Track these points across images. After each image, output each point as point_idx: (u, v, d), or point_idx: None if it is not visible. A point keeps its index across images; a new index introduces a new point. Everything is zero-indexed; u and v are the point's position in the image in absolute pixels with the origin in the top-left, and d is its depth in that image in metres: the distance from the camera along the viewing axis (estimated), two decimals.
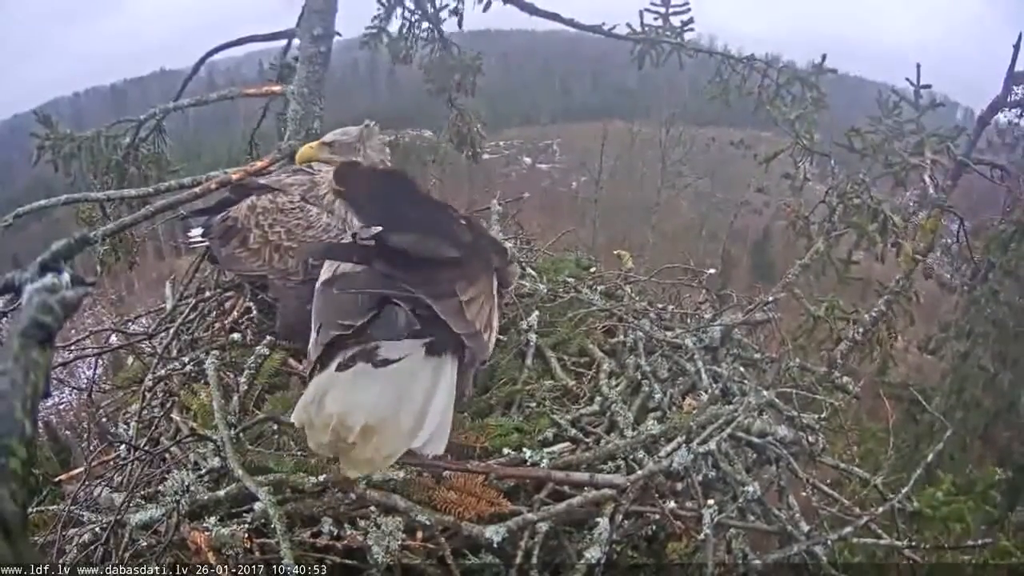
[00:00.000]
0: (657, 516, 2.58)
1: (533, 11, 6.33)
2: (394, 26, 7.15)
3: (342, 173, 3.04)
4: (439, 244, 2.37)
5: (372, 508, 2.34)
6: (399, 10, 7.03)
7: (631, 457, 2.69)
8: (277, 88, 5.08)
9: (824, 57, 6.56)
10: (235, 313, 3.72)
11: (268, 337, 3.31)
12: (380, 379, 2.11)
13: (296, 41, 5.17)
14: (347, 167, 3.14)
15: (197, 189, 3.80)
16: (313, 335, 2.39)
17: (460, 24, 6.91)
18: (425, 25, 7.08)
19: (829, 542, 2.68)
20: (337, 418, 1.99)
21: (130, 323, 4.50)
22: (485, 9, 6.49)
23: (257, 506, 2.35)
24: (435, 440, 2.08)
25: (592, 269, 4.23)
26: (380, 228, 2.35)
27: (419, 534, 2.33)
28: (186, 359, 3.39)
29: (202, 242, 3.58)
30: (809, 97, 6.49)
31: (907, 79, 6.34)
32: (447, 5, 6.96)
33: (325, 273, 2.65)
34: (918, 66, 6.29)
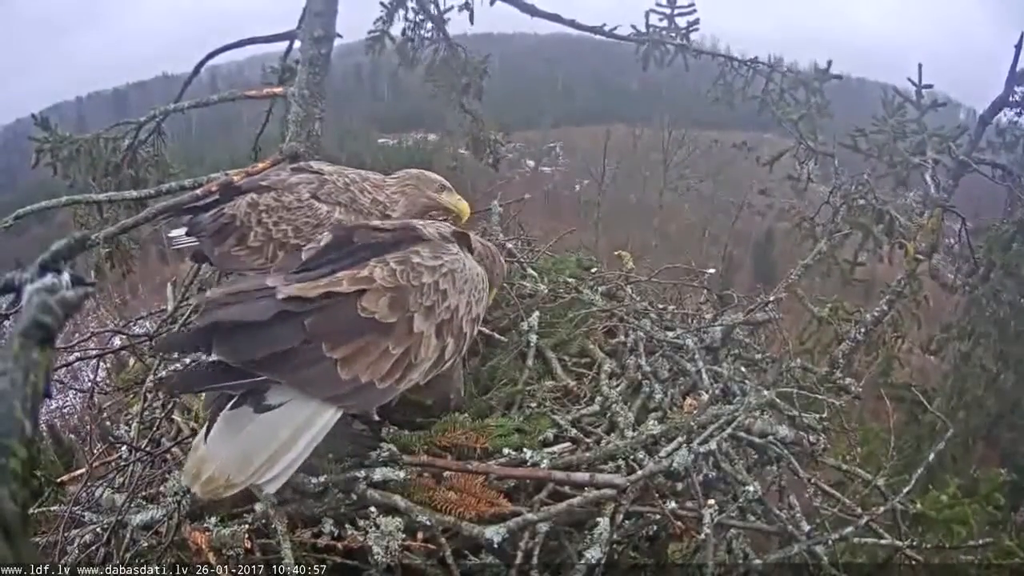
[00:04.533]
0: (657, 516, 2.58)
1: (534, 12, 6.35)
2: (396, 29, 7.20)
3: None
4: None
5: (372, 509, 2.34)
6: (400, 12, 7.05)
7: (631, 457, 2.69)
8: (278, 90, 5.08)
9: (829, 63, 6.58)
10: None
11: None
12: (249, 427, 2.23)
13: (297, 43, 5.18)
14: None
15: (198, 191, 3.80)
16: None
17: (472, 20, 6.94)
18: (429, 26, 7.11)
19: (830, 542, 2.67)
20: (198, 464, 2.22)
21: (132, 325, 4.50)
22: (492, 3, 6.51)
23: (258, 507, 2.37)
24: (275, 482, 2.22)
25: (593, 270, 4.22)
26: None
27: (419, 535, 2.34)
28: (187, 360, 3.39)
29: (189, 242, 3.47)
30: (813, 102, 6.51)
31: (909, 79, 6.35)
32: (452, 7, 7.00)
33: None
34: (920, 66, 6.30)
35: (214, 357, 2.22)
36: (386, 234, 2.66)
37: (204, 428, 2.30)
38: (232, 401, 2.25)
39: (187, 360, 3.38)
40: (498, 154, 7.56)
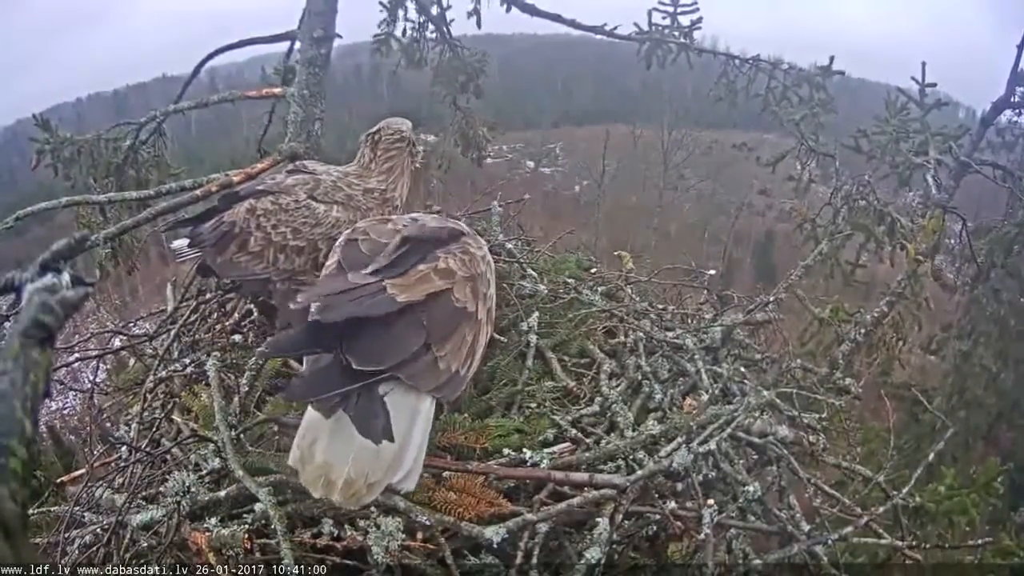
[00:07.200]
0: (657, 516, 2.58)
1: (534, 12, 6.36)
2: (399, 30, 7.20)
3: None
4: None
5: (372, 509, 2.34)
6: (401, 12, 7.06)
7: (631, 457, 2.69)
8: (278, 90, 5.08)
9: (832, 59, 6.58)
10: (236, 315, 3.73)
11: (269, 339, 3.31)
12: None
13: (297, 44, 5.18)
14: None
15: (198, 192, 3.81)
16: (305, 365, 2.44)
17: (479, 25, 6.95)
18: (432, 27, 7.12)
19: (830, 542, 2.67)
20: (324, 470, 2.13)
21: (132, 326, 4.50)
22: (508, 10, 6.52)
23: (258, 507, 2.36)
24: (410, 477, 2.21)
25: (593, 270, 4.22)
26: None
27: (419, 535, 2.34)
28: (187, 361, 3.40)
29: (192, 254, 3.45)
30: (816, 99, 6.51)
31: (913, 78, 6.35)
32: (450, 6, 7.01)
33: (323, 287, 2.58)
34: (923, 64, 6.30)
35: (315, 356, 2.25)
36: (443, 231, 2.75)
37: (301, 436, 2.21)
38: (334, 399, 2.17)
39: (186, 361, 3.38)
40: (483, 150, 7.54)
